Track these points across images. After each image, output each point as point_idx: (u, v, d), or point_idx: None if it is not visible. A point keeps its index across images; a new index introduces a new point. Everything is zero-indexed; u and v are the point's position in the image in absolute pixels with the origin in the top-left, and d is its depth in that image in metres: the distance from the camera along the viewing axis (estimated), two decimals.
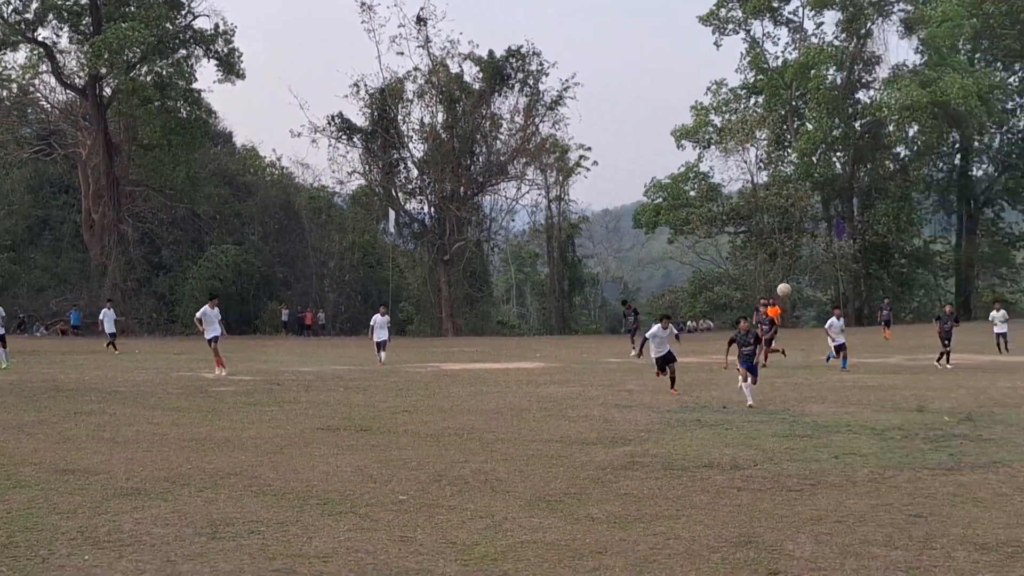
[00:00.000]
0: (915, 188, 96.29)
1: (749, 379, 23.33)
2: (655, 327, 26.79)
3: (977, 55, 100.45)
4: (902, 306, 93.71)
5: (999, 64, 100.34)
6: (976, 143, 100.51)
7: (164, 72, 78.90)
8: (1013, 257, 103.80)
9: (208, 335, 35.16)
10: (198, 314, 35.71)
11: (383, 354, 41.27)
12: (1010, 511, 12.63)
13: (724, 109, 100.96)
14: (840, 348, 36.10)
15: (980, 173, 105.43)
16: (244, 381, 31.75)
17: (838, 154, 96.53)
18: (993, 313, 46.31)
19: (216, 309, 35.71)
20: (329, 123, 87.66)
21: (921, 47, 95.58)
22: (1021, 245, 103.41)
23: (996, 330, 45.00)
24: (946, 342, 36.11)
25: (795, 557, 10.48)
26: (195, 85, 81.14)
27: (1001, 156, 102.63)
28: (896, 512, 12.41)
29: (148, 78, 77.72)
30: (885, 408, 22.91)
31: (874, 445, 17.67)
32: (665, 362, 26.62)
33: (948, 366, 35.78)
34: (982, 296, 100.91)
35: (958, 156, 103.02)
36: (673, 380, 26.60)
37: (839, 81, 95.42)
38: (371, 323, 42.34)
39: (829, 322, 37.11)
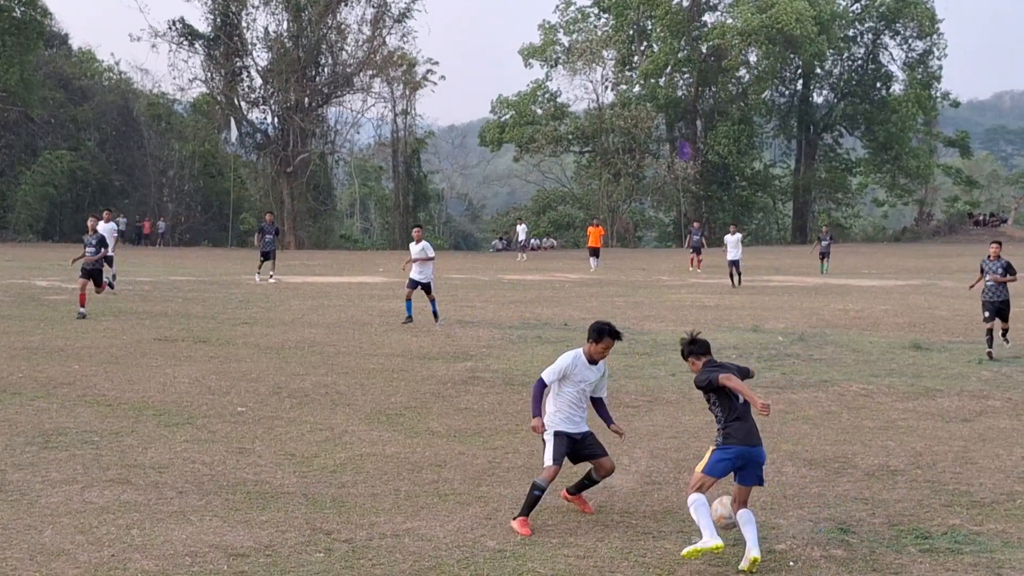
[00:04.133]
0: (756, 112, 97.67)
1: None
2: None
3: None
4: (740, 228, 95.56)
5: None
6: (817, 70, 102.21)
7: None
8: (849, 183, 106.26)
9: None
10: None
11: (109, 274, 30.23)
12: (837, 428, 13.04)
13: (572, 28, 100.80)
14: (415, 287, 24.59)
15: (820, 99, 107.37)
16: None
17: (684, 76, 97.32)
18: (727, 236, 39.36)
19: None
20: (170, 28, 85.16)
21: None
22: (857, 171, 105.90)
23: (728, 256, 37.85)
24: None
25: (631, 471, 10.67)
26: None
27: (841, 83, 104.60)
28: None
29: None
30: (722, 328, 23.35)
31: None
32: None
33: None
34: (819, 220, 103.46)
35: (799, 82, 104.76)
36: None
37: (685, 3, 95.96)
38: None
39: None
